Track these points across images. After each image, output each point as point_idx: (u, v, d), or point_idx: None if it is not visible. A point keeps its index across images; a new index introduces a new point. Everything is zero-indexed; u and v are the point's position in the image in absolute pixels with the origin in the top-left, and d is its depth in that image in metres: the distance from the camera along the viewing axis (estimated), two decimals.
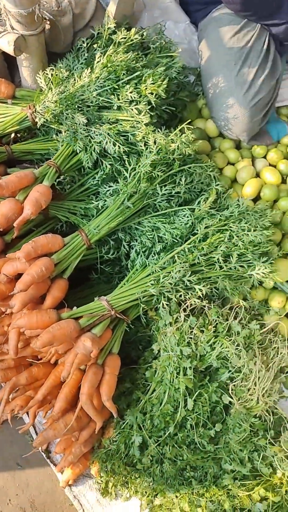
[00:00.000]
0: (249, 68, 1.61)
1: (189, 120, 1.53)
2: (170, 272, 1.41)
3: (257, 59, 1.63)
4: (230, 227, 1.48)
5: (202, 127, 1.83)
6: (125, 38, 1.57)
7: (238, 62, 1.62)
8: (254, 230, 1.48)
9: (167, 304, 1.44)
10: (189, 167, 1.54)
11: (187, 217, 1.50)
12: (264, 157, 1.81)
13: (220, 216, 1.51)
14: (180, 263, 1.42)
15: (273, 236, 1.63)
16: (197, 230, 1.47)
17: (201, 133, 1.80)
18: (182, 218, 1.50)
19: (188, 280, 1.42)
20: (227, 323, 1.50)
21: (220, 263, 1.44)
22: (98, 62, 1.46)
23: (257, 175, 1.77)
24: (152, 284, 1.40)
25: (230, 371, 1.48)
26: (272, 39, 1.71)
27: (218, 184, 1.58)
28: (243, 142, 1.78)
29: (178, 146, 1.48)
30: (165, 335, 1.47)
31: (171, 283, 1.41)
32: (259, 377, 1.46)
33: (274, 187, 1.67)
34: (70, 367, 1.24)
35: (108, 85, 1.44)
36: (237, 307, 1.56)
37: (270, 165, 1.80)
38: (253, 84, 1.60)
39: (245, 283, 1.54)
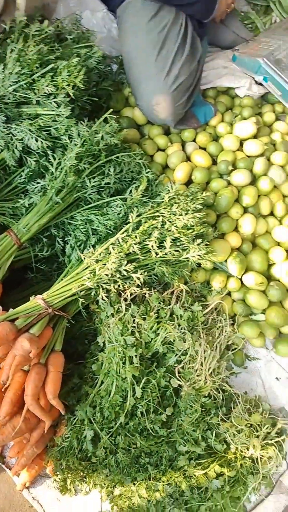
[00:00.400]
0: (168, 52, 1.61)
1: (111, 110, 1.52)
2: (105, 264, 1.41)
3: (175, 43, 1.63)
4: (162, 213, 1.49)
5: (130, 115, 1.82)
6: (39, 30, 1.54)
7: (156, 47, 1.62)
8: (186, 214, 1.49)
9: (106, 296, 1.44)
10: (117, 157, 1.54)
11: (120, 207, 1.50)
12: (194, 140, 1.82)
13: (152, 203, 1.52)
14: (115, 253, 1.42)
15: (207, 218, 1.65)
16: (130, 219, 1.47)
17: (129, 122, 1.79)
18: (115, 209, 1.50)
19: (125, 270, 1.42)
20: (169, 308, 1.51)
21: (155, 249, 1.45)
22: (10, 57, 1.42)
23: (188, 159, 1.79)
24: (88, 278, 1.40)
25: (176, 354, 1.50)
26: (189, 21, 1.71)
27: (148, 172, 1.58)
28: (170, 127, 1.78)
29: (102, 136, 1.47)
30: (108, 327, 1.47)
31: (107, 275, 1.40)
32: (205, 358, 1.49)
33: (204, 169, 1.69)
34: (8, 369, 1.22)
35: (23, 80, 1.40)
36: (178, 291, 1.58)
37: (200, 148, 1.81)
38: (172, 68, 1.60)
39: (183, 266, 1.56)
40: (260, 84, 1.93)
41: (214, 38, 2.09)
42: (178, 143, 1.80)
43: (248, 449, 1.43)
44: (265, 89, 1.94)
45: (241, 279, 1.68)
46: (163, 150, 1.79)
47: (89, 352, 1.55)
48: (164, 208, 1.50)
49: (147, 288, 1.53)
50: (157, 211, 1.50)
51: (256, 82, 1.93)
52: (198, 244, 1.49)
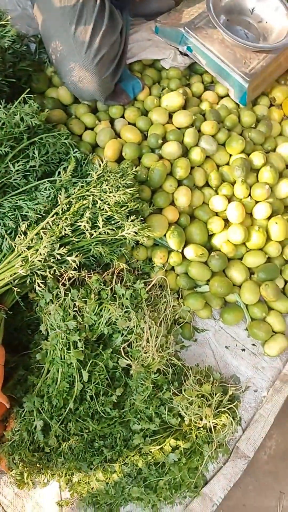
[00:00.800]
0: (85, 26, 1.56)
1: (28, 90, 1.45)
2: (38, 250, 1.36)
3: (92, 15, 1.57)
4: (92, 192, 1.45)
5: (55, 96, 1.76)
6: None
7: (72, 21, 1.56)
8: (117, 191, 1.46)
9: (43, 283, 1.39)
10: (40, 139, 1.48)
11: (48, 190, 1.45)
12: (122, 116, 1.78)
13: (82, 182, 1.48)
14: (47, 238, 1.37)
15: (141, 193, 1.63)
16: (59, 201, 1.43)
17: (54, 102, 1.73)
18: (44, 192, 1.45)
19: (59, 254, 1.38)
20: (110, 288, 1.49)
21: (88, 230, 1.41)
22: None
23: (118, 135, 1.75)
24: (20, 265, 1.35)
25: (122, 334, 1.48)
26: None
27: (76, 152, 1.54)
28: (100, 102, 1.73)
29: (22, 118, 1.41)
30: (49, 314, 1.43)
31: (40, 260, 1.36)
32: (151, 334, 1.47)
33: (134, 145, 1.66)
34: None
35: None
36: (118, 270, 1.55)
37: (129, 123, 1.77)
38: (92, 42, 1.55)
39: (122, 245, 1.53)
40: (186, 54, 1.90)
41: (137, 9, 2.03)
42: (106, 120, 1.75)
43: (201, 419, 1.43)
44: (191, 59, 1.92)
45: (182, 253, 1.67)
46: (92, 129, 1.74)
47: (33, 342, 1.50)
48: (94, 187, 1.46)
49: (86, 271, 1.49)
50: (87, 190, 1.46)
51: (181, 53, 1.90)
52: (133, 221, 1.47)
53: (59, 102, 1.76)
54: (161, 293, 1.62)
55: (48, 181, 1.46)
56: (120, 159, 1.69)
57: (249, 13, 1.92)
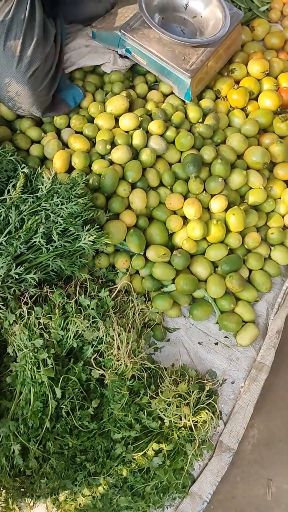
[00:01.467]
0: (15, 40, 1.53)
1: None
2: None
3: (21, 28, 1.55)
4: (43, 206, 1.43)
5: None
6: None
7: (2, 36, 1.53)
8: (68, 202, 1.44)
9: (3, 304, 1.37)
10: None
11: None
12: (69, 126, 1.77)
13: (32, 198, 1.46)
14: (2, 259, 1.35)
15: (96, 201, 1.61)
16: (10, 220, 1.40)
17: None
18: None
19: (16, 273, 1.36)
20: (74, 301, 1.47)
21: (43, 245, 1.40)
22: None
23: (67, 145, 1.73)
24: None
25: (93, 345, 1.47)
26: (37, 3, 1.63)
27: (24, 167, 1.51)
28: (39, 116, 1.71)
29: None
30: (15, 335, 1.41)
31: None
32: (121, 341, 1.46)
33: (83, 153, 1.64)
34: None
35: None
36: (81, 282, 1.54)
37: (76, 132, 1.76)
38: (22, 56, 1.53)
39: (81, 256, 1.51)
40: (126, 56, 1.89)
41: (72, 16, 2.00)
42: (52, 131, 1.74)
43: (181, 419, 1.43)
44: (131, 61, 1.91)
45: (144, 255, 1.66)
46: (39, 142, 1.72)
47: (2, 366, 1.48)
48: (45, 201, 1.44)
49: (48, 286, 1.48)
50: (38, 205, 1.44)
51: (121, 56, 1.90)
52: (88, 230, 1.46)
53: (2, 119, 1.73)
54: (127, 298, 1.61)
55: None
56: (70, 169, 1.67)
57: (183, 9, 1.93)
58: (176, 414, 1.43)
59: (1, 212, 1.42)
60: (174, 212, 1.73)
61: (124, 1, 1.99)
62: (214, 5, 1.87)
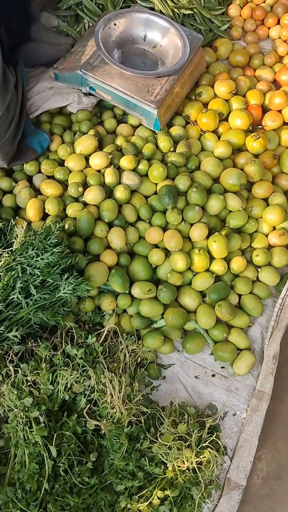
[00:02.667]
0: None
1: None
2: None
3: None
4: (19, 260, 1.41)
5: None
6: None
7: None
8: (44, 253, 1.42)
9: None
10: None
11: None
12: (40, 171, 1.75)
13: (6, 253, 1.44)
14: None
15: (74, 245, 1.59)
16: None
17: None
18: None
19: None
20: (61, 352, 1.44)
21: (21, 300, 1.37)
22: None
23: (40, 192, 1.71)
24: None
25: (85, 395, 1.43)
26: None
27: None
28: (5, 167, 1.69)
29: None
30: (3, 395, 1.37)
31: None
32: (114, 387, 1.42)
33: (55, 199, 1.62)
34: None
35: None
36: (66, 330, 1.50)
37: (48, 177, 1.74)
38: None
39: (64, 304, 1.48)
40: (90, 94, 1.88)
41: (33, 59, 2.00)
42: (23, 180, 1.72)
43: (184, 462, 1.39)
44: (97, 97, 1.90)
45: (130, 293, 1.63)
46: (11, 192, 1.71)
47: None
48: (20, 254, 1.42)
49: (32, 340, 1.44)
50: (14, 259, 1.42)
51: (86, 94, 1.89)
52: (67, 278, 1.43)
53: None
54: (117, 340, 1.58)
55: None
56: (45, 215, 1.65)
57: (142, 40, 1.92)
58: (178, 458, 1.38)
59: None
60: (156, 246, 1.70)
61: (83, 38, 1.99)
62: (172, 34, 1.86)
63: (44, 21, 2.11)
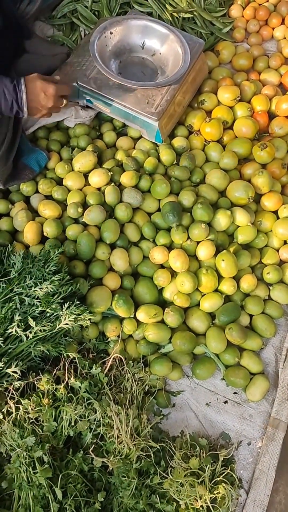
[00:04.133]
0: None
1: None
2: None
3: None
4: (16, 291, 1.33)
5: None
6: None
7: None
8: (43, 282, 1.35)
9: None
10: None
11: None
12: (37, 191, 1.67)
13: (3, 282, 1.36)
14: None
15: (75, 270, 1.52)
16: None
17: None
18: None
19: None
20: (64, 385, 1.36)
21: (20, 334, 1.30)
22: None
23: (38, 213, 1.63)
24: None
25: (91, 429, 1.36)
26: None
27: None
28: (1, 188, 1.62)
29: None
30: (5, 433, 1.30)
31: None
32: (121, 421, 1.35)
33: (53, 222, 1.55)
34: None
35: None
36: (68, 361, 1.43)
37: (46, 196, 1.66)
38: None
39: (65, 334, 1.41)
40: (88, 106, 1.80)
41: (28, 71, 1.91)
42: (20, 201, 1.64)
43: (197, 500, 1.31)
44: (95, 110, 1.82)
45: (135, 317, 1.55)
46: (8, 214, 1.63)
47: None
48: (18, 284, 1.35)
49: (33, 374, 1.37)
50: (11, 290, 1.34)
51: (83, 106, 1.81)
52: (69, 307, 1.35)
53: None
54: (122, 368, 1.50)
55: None
56: (44, 238, 1.57)
57: (141, 48, 1.84)
58: (191, 496, 1.31)
59: None
60: (162, 265, 1.62)
61: (79, 48, 1.90)
62: (171, 41, 1.77)
63: (38, 30, 2.03)
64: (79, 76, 1.73)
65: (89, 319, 1.38)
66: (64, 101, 1.56)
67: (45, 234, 1.55)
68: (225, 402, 1.54)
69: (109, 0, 2.03)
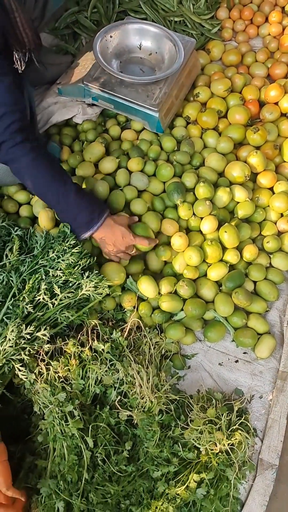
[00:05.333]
0: None
1: None
2: (6, 336, 1.37)
3: None
4: (41, 263, 1.48)
5: None
6: None
7: None
8: (64, 254, 1.49)
9: (21, 365, 1.40)
10: None
11: (1, 274, 1.48)
12: None
13: (29, 258, 1.51)
14: (11, 323, 1.39)
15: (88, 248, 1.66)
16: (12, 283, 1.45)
17: None
18: None
19: (28, 333, 1.40)
20: (88, 348, 1.50)
21: (47, 301, 1.44)
22: None
23: None
24: None
25: (115, 387, 1.48)
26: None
27: (17, 230, 1.58)
28: None
29: None
30: (38, 393, 1.43)
31: (12, 346, 1.37)
32: (141, 378, 1.48)
33: None
34: None
35: None
36: (91, 328, 1.56)
37: None
38: None
39: (85, 304, 1.55)
40: (93, 104, 1.97)
41: (37, 80, 2.10)
42: None
43: (216, 444, 1.43)
44: (100, 107, 1.99)
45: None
46: (28, 203, 1.79)
47: (32, 426, 1.49)
48: (42, 258, 1.49)
49: (60, 339, 1.51)
50: (36, 263, 1.49)
51: (89, 104, 1.98)
52: (88, 276, 1.50)
53: None
54: (140, 334, 1.63)
55: None
56: (58, 223, 1.72)
57: (138, 49, 2.01)
58: (210, 441, 1.43)
59: (3, 277, 1.47)
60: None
61: (82, 53, 2.08)
62: (165, 40, 1.95)
63: (43, 41, 2.21)
64: (85, 77, 1.90)
65: (108, 286, 1.52)
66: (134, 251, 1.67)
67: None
68: (236, 361, 1.67)
69: (106, 9, 2.22)
